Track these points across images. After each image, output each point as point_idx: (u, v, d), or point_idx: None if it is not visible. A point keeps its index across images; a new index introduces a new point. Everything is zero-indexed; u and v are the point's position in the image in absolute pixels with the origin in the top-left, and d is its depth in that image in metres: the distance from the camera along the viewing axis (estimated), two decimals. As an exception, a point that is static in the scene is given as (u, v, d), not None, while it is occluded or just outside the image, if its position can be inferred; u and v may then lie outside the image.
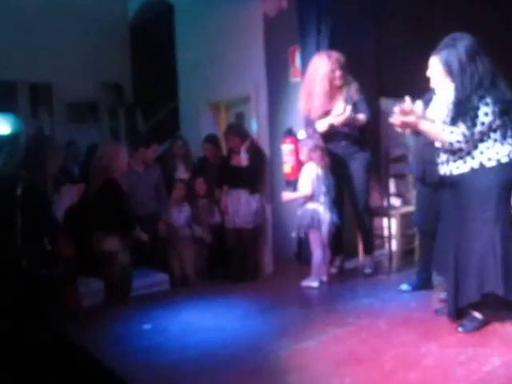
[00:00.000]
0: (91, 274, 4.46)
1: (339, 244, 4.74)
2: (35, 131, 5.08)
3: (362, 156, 4.55)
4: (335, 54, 4.43)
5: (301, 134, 4.72)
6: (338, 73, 4.40)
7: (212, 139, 5.85)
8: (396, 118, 3.18)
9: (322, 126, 4.45)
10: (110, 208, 4.11)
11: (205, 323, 3.67)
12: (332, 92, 4.43)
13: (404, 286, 4.09)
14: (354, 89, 4.46)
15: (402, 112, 3.13)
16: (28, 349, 3.19)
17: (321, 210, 4.33)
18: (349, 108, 4.34)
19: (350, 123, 4.39)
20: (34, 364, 3.15)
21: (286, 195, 4.56)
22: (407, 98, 3.15)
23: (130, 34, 8.01)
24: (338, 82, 4.43)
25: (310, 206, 4.36)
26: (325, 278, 4.44)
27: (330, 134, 4.48)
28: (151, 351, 3.21)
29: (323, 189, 4.36)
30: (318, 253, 4.38)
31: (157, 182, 5.49)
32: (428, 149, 3.56)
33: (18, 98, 7.11)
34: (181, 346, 3.28)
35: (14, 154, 3.73)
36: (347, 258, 4.90)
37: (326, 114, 4.43)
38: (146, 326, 3.63)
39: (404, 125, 3.19)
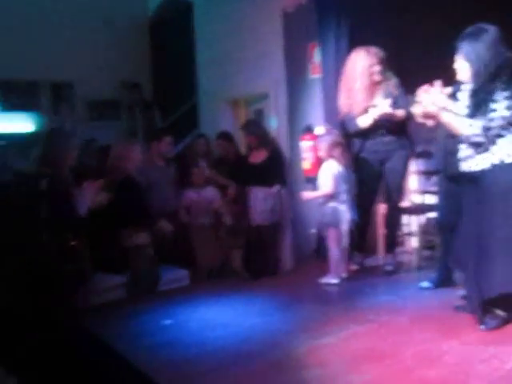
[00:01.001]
0: (110, 270, 4.50)
1: (362, 241, 4.71)
2: (51, 128, 5.11)
3: (401, 153, 4.48)
4: (374, 49, 4.38)
5: (319, 130, 4.68)
6: (376, 68, 4.36)
7: (225, 136, 5.83)
8: (418, 109, 3.15)
9: (364, 121, 4.38)
10: (130, 204, 4.15)
11: (224, 319, 3.69)
12: (372, 87, 4.39)
13: (425, 284, 4.06)
14: (392, 84, 4.41)
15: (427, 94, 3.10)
16: (51, 342, 3.23)
17: (342, 208, 4.30)
18: (388, 101, 4.29)
19: (389, 119, 4.34)
20: (57, 358, 3.20)
21: (306, 194, 4.52)
22: (438, 82, 3.12)
23: (150, 32, 8.05)
24: (376, 77, 4.38)
25: (332, 204, 4.32)
26: (344, 275, 4.41)
27: (370, 131, 4.43)
28: (171, 346, 3.23)
29: (344, 187, 4.32)
30: (335, 250, 4.36)
31: (175, 178, 5.51)
32: (450, 141, 3.52)
33: (40, 97, 7.18)
34: (200, 341, 3.30)
35: (37, 151, 3.77)
36: (368, 256, 4.86)
37: (367, 109, 4.38)
38: (167, 322, 3.66)
39: (426, 115, 3.16)
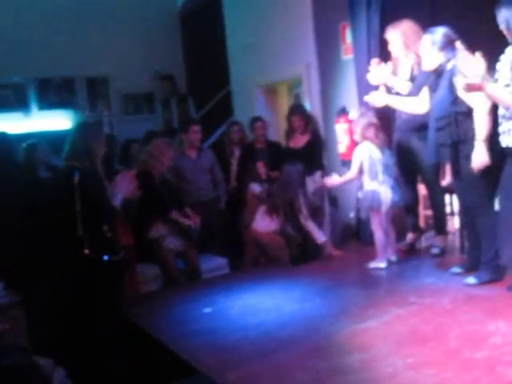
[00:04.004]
0: (151, 259, 4.59)
1: (414, 221, 4.61)
2: (78, 123, 5.16)
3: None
4: (401, 23, 4.24)
5: (353, 114, 4.60)
6: (398, 40, 4.22)
7: (261, 118, 5.80)
8: (461, 80, 3.05)
9: (377, 101, 4.27)
10: (145, 197, 4.22)
11: (265, 305, 3.68)
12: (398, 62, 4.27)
13: (456, 269, 3.86)
14: (415, 60, 4.22)
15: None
16: (94, 333, 3.30)
17: (381, 190, 4.21)
18: (407, 84, 4.17)
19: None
20: (100, 349, 3.27)
21: (330, 180, 4.48)
22: (478, 53, 3.01)
23: (181, 24, 8.07)
24: (396, 51, 4.25)
25: (370, 186, 4.24)
26: (394, 258, 4.33)
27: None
28: (213, 333, 3.25)
29: (380, 168, 4.22)
30: (379, 234, 4.26)
31: (211, 166, 5.50)
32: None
33: (77, 93, 7.32)
34: (241, 327, 3.30)
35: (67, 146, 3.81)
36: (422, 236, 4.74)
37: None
38: (207, 310, 3.68)
39: (469, 87, 3.04)
